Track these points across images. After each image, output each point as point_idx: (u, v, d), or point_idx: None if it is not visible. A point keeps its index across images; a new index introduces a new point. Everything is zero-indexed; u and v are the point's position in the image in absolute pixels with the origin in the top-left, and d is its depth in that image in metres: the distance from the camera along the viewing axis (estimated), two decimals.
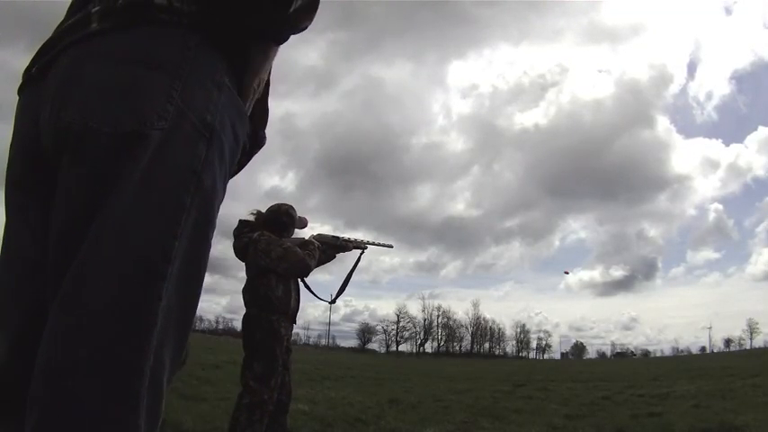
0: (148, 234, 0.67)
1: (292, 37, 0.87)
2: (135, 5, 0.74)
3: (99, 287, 0.64)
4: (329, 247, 3.29)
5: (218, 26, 0.77)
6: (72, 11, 0.82)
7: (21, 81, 0.82)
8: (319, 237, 3.34)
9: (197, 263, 0.73)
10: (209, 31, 0.76)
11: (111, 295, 0.64)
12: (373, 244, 3.48)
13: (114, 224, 0.66)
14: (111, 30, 0.73)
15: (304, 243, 3.21)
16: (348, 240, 3.35)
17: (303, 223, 3.30)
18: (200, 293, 0.75)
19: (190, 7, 0.76)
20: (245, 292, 3.13)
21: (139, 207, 0.67)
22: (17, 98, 0.83)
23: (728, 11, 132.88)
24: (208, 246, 0.75)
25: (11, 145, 0.80)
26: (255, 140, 0.92)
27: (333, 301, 3.48)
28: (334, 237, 3.33)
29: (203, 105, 0.73)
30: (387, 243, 3.60)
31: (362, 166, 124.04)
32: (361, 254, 3.41)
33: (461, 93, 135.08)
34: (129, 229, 0.66)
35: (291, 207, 3.29)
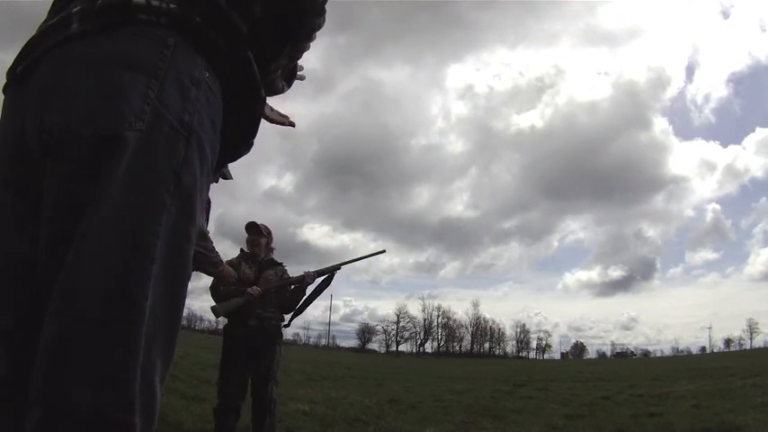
0: (131, 235, 0.68)
1: None
2: (113, 6, 0.75)
3: (86, 289, 0.65)
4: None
5: (197, 23, 0.78)
6: (55, 9, 0.83)
7: (5, 80, 0.83)
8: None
9: (181, 261, 0.74)
10: (188, 28, 0.77)
11: (98, 297, 0.65)
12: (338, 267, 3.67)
13: (97, 226, 0.67)
14: (91, 32, 0.74)
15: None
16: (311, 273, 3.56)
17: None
18: (185, 291, 0.75)
19: (168, 5, 0.76)
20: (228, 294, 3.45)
21: (121, 208, 0.68)
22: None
23: (726, 14, 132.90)
24: (191, 244, 0.76)
25: None
26: (245, 147, 0.95)
27: (287, 325, 3.64)
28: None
29: (180, 104, 0.74)
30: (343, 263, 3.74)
31: (361, 167, 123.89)
32: (327, 277, 3.59)
33: (459, 95, 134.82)
34: (112, 230, 0.67)
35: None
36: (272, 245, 3.74)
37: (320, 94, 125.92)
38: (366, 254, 3.82)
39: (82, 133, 0.69)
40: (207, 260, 2.83)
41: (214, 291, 3.49)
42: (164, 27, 0.76)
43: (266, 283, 3.45)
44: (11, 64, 0.82)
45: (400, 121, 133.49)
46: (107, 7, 0.75)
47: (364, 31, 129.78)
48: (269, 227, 3.74)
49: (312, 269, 3.59)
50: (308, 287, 3.55)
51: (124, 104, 0.70)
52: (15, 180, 0.77)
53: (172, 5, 0.76)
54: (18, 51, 0.81)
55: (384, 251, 3.91)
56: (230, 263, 3.50)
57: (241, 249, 3.70)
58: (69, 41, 0.75)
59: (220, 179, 3.26)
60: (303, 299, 3.55)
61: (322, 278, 3.56)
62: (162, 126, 0.72)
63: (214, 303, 3.43)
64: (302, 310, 3.57)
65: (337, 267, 3.60)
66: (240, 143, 0.93)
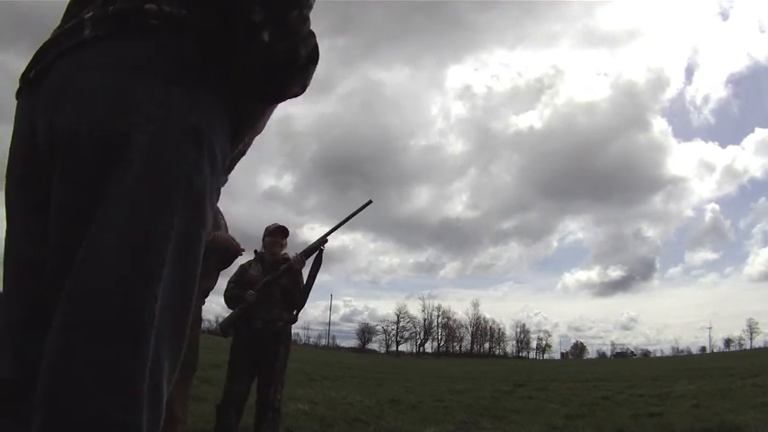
0: (141, 237, 0.68)
1: None
2: (126, 12, 0.75)
3: (94, 292, 0.65)
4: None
5: (207, 28, 0.78)
6: (69, 15, 0.83)
7: (19, 85, 0.84)
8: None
9: (191, 263, 0.74)
10: (198, 33, 0.77)
11: (106, 299, 0.65)
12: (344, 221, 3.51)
13: (107, 228, 0.67)
14: (103, 37, 0.75)
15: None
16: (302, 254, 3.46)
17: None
18: (195, 294, 0.75)
19: (179, 11, 0.77)
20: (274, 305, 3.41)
21: (131, 210, 0.68)
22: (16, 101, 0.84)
23: (725, 15, 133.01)
24: (201, 246, 0.75)
25: (10, 147, 0.82)
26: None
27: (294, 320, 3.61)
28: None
29: (192, 108, 0.74)
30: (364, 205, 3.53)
31: (360, 167, 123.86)
32: (320, 252, 3.45)
33: (458, 96, 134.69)
34: (122, 232, 0.67)
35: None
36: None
37: (320, 95, 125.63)
38: (352, 212, 3.47)
39: (90, 135, 0.69)
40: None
41: (226, 298, 3.50)
42: (175, 32, 0.76)
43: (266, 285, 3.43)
44: (24, 69, 0.83)
45: (400, 122, 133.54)
46: (119, 13, 0.75)
47: (363, 33, 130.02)
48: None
49: (296, 252, 3.49)
50: (304, 271, 3.48)
51: (133, 107, 0.70)
52: (27, 184, 0.78)
53: (183, 11, 0.77)
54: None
55: (371, 201, 3.56)
56: (243, 267, 3.58)
57: (255, 251, 3.69)
58: (81, 47, 0.75)
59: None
60: (303, 287, 3.45)
61: (313, 257, 3.44)
62: (172, 129, 0.72)
63: (216, 304, 3.47)
64: (304, 300, 3.49)
65: (323, 240, 3.43)
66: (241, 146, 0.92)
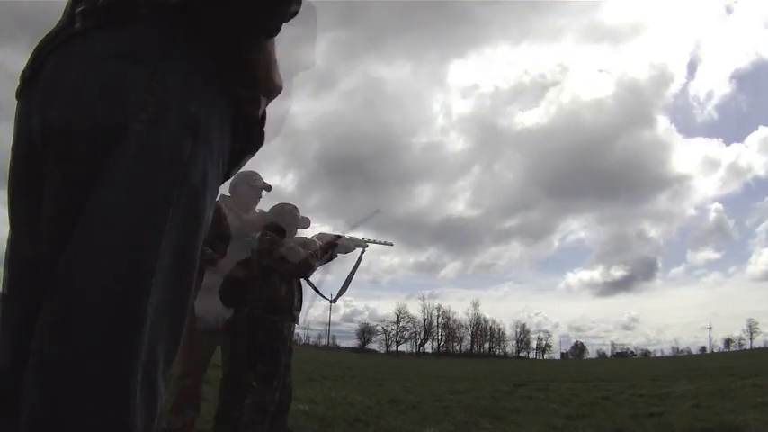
0: (134, 229, 0.66)
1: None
2: (115, 2, 0.75)
3: (85, 284, 0.64)
4: (330, 247, 3.34)
5: (200, 16, 0.77)
6: (65, 11, 0.83)
7: (19, 83, 0.83)
8: (321, 236, 3.40)
9: (188, 257, 0.72)
10: (191, 20, 0.76)
11: (97, 292, 0.64)
12: (374, 242, 3.55)
13: (100, 220, 0.66)
14: (93, 28, 0.74)
15: (305, 243, 3.26)
16: (350, 240, 3.38)
17: (306, 224, 3.38)
18: (192, 289, 0.74)
19: None
20: (246, 291, 3.18)
21: (125, 202, 0.67)
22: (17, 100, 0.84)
23: (729, 10, 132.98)
24: (199, 240, 0.74)
25: (12, 147, 0.81)
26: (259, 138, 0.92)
27: (333, 300, 3.62)
28: (335, 236, 3.39)
29: (187, 96, 0.73)
30: (387, 241, 3.67)
31: (362, 165, 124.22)
32: (362, 253, 3.48)
33: (462, 92, 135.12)
34: (115, 224, 0.66)
35: (294, 207, 3.37)
36: None
37: (322, 92, 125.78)
38: (359, 219, 3.52)
39: (84, 126, 0.68)
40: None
41: (222, 295, 3.48)
42: (167, 20, 0.75)
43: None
44: (23, 68, 0.83)
45: (402, 120, 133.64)
46: (109, 4, 0.75)
47: (366, 28, 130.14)
48: None
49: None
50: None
51: (126, 97, 0.69)
52: (27, 182, 0.77)
53: None
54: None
55: (378, 210, 3.71)
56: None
57: (253, 250, 3.67)
58: (72, 40, 0.75)
59: (263, 191, 3.26)
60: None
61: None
62: (168, 117, 0.70)
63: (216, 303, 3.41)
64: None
65: (331, 243, 3.33)
66: (247, 139, 0.91)
